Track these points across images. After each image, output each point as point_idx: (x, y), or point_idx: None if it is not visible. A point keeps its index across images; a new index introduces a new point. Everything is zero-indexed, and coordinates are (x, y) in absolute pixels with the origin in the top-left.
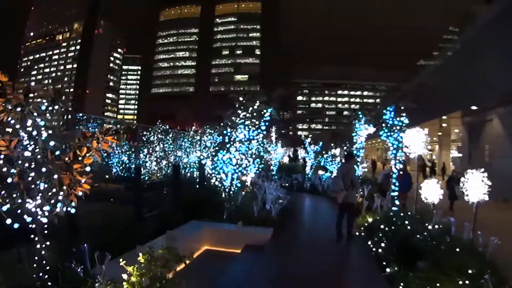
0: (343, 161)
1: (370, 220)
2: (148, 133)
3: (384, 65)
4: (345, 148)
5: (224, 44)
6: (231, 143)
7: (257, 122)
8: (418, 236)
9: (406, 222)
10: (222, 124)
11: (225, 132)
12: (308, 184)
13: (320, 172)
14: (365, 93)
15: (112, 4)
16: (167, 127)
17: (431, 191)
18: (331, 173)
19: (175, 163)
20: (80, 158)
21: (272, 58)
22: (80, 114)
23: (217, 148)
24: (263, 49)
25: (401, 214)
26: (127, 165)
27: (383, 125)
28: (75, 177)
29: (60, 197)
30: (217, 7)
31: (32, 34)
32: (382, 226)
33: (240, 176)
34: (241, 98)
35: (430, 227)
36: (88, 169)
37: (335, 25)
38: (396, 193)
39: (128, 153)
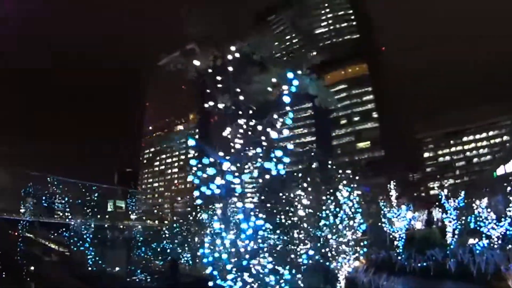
0: None
1: None
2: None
3: (503, 95)
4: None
5: (340, 113)
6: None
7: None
8: None
9: None
10: None
11: None
12: (452, 262)
13: (471, 240)
14: (490, 133)
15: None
16: None
17: None
18: (489, 239)
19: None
20: None
21: (390, 119)
22: None
23: None
24: (380, 112)
25: None
26: None
27: None
28: None
29: None
30: (325, 77)
31: (150, 127)
32: None
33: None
34: None
35: None
36: None
37: (440, 68)
38: None
39: None
